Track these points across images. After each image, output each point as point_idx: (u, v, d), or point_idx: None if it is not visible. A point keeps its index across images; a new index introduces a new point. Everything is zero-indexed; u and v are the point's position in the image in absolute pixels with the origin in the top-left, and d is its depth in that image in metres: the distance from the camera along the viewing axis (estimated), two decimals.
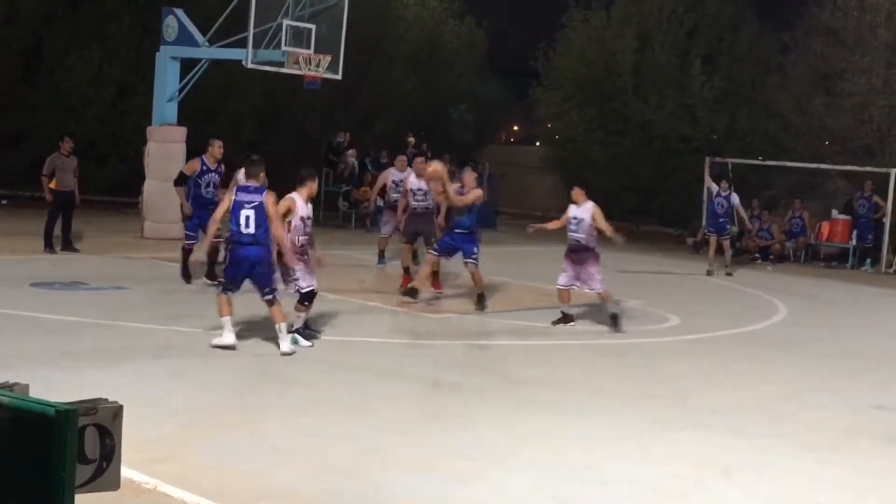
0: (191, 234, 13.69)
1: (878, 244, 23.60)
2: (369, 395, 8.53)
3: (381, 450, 7.00)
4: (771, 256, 23.76)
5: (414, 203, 14.62)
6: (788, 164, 25.91)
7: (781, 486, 6.85)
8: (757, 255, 23.94)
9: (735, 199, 20.04)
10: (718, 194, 19.99)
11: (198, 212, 13.43)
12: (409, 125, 27.70)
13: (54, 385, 7.03)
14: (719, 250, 19.83)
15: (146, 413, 7.13)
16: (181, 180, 13.92)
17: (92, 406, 2.87)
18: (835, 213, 24.58)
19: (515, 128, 49.96)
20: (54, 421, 2.65)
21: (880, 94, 24.97)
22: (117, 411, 2.92)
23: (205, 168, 13.74)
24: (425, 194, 14.33)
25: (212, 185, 13.74)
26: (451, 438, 7.38)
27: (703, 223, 25.56)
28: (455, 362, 10.20)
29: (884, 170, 23.72)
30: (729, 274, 19.54)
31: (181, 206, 13.96)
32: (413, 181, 14.67)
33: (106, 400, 2.97)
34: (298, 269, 10.18)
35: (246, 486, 6.11)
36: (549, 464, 6.93)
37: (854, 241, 23.73)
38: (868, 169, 24.19)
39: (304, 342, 10.07)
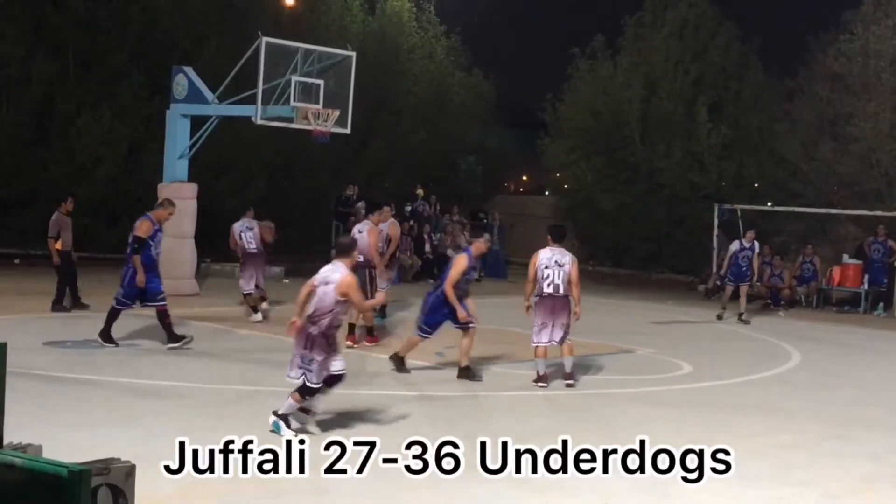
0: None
1: (892, 288, 23.52)
2: (390, 450, 8.48)
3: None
4: (782, 302, 23.69)
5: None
6: (798, 209, 25.92)
7: None
8: (768, 300, 23.87)
9: (757, 246, 20.23)
10: (743, 248, 19.95)
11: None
12: (417, 178, 27.82)
13: (67, 444, 7.03)
14: (735, 296, 19.94)
15: (159, 470, 7.11)
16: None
17: (105, 466, 2.88)
18: (846, 257, 24.51)
19: (525, 178, 50.14)
20: (67, 482, 2.65)
21: (887, 139, 25.03)
22: (130, 470, 2.92)
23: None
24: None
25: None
26: (475, 492, 7.33)
27: (715, 270, 25.54)
28: (472, 415, 10.15)
29: (893, 213, 23.71)
30: (746, 322, 19.48)
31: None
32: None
33: (119, 459, 2.97)
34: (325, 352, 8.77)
35: None
36: None
37: (866, 286, 23.65)
38: (878, 213, 24.18)
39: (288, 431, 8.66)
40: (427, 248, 26.13)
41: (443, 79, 32.14)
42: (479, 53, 33.49)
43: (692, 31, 29.23)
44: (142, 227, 12.78)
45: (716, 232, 26.42)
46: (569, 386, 11.66)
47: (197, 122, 19.44)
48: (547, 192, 37.20)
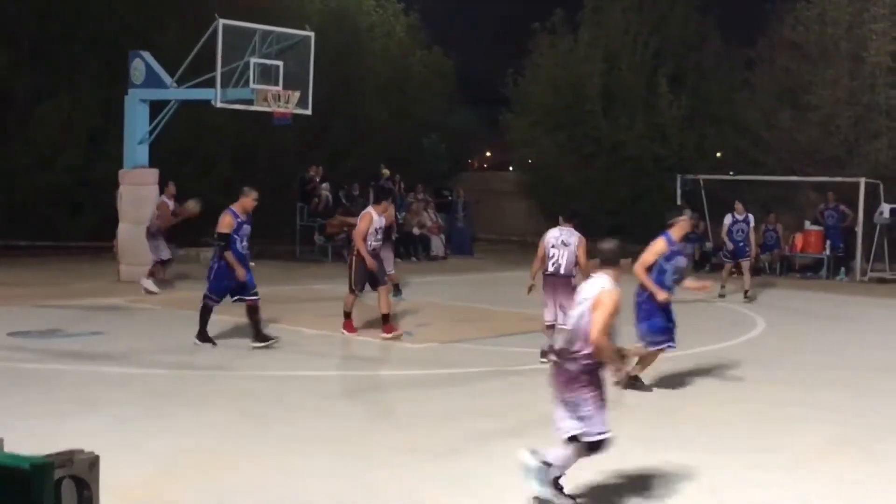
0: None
1: (850, 252, 23.85)
2: (350, 429, 8.49)
3: (366, 485, 6.96)
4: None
5: (373, 244, 13.07)
6: (759, 178, 26.11)
7: (768, 502, 6.86)
8: (733, 269, 24.01)
9: (752, 219, 19.41)
10: (735, 220, 19.22)
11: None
12: (381, 157, 27.75)
13: (32, 435, 6.98)
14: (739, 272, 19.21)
15: (127, 458, 7.08)
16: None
17: (68, 458, 2.85)
18: (807, 224, 24.77)
19: (488, 154, 50.13)
20: (29, 476, 2.63)
21: (846, 105, 25.21)
22: (94, 461, 2.90)
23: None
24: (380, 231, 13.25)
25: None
26: (439, 471, 7.35)
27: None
28: (437, 392, 10.18)
29: (853, 179, 23.95)
30: (751, 299, 18.66)
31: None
32: (377, 219, 13.14)
33: (82, 451, 2.95)
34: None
35: None
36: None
37: (828, 252, 23.96)
38: (838, 179, 24.43)
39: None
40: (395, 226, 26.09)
41: (403, 57, 32.00)
42: (438, 30, 33.38)
43: (650, 3, 29.31)
44: (223, 223, 12.02)
45: (679, 203, 26.57)
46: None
47: (157, 108, 19.25)
48: (511, 168, 37.24)
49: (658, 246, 10.35)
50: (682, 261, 10.59)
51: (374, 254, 13.02)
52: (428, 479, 7.11)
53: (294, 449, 7.80)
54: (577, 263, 11.39)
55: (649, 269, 10.29)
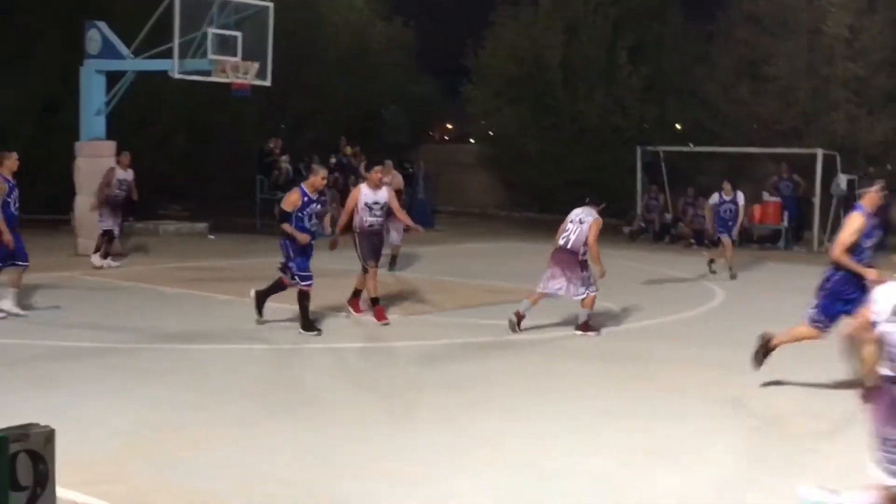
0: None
1: (804, 223, 24.26)
2: (315, 402, 8.49)
3: (329, 457, 6.97)
4: (706, 241, 24.03)
5: (370, 219, 12.44)
6: (719, 149, 26.30)
7: (724, 469, 6.93)
8: (692, 240, 24.22)
9: (741, 198, 18.39)
10: (723, 201, 18.26)
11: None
12: (341, 129, 27.61)
13: None
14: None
15: (89, 434, 7.04)
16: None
17: (23, 432, 2.82)
18: (766, 195, 25.01)
19: (449, 126, 50.04)
20: None
21: (804, 77, 25.40)
22: (49, 436, 2.87)
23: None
24: (382, 207, 12.57)
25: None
26: (401, 442, 7.37)
27: (639, 212, 25.84)
28: (401, 365, 10.19)
29: (810, 151, 24.17)
30: (733, 276, 17.63)
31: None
32: (368, 194, 12.52)
33: (38, 425, 2.92)
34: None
35: (194, 503, 6.05)
36: (501, 463, 6.94)
37: (785, 223, 24.29)
38: (795, 151, 24.67)
39: None
40: None
41: (363, 28, 31.79)
42: (398, 1, 33.13)
43: None
44: (288, 200, 11.49)
45: (639, 175, 26.73)
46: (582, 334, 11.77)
47: (113, 79, 19.02)
48: (472, 140, 37.20)
49: (855, 222, 9.12)
50: (878, 234, 9.48)
51: (374, 231, 12.47)
52: (392, 451, 7.12)
53: (257, 422, 7.78)
54: (585, 242, 11.68)
55: (850, 250, 9.08)
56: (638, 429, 7.88)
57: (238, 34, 18.34)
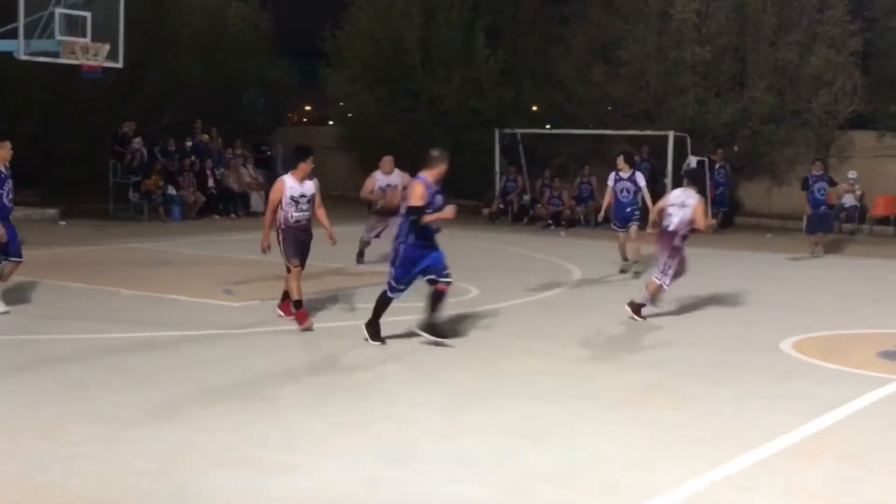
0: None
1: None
2: (171, 392, 8.34)
3: (186, 447, 6.86)
4: (563, 222, 24.50)
5: (296, 214, 11.16)
6: (574, 131, 26.82)
7: (585, 449, 7.09)
8: (549, 221, 24.64)
9: (641, 179, 16.36)
10: (619, 178, 16.16)
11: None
12: (197, 112, 27.08)
13: None
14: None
15: None
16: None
17: None
18: None
19: (308, 108, 49.58)
20: None
21: (655, 61, 26.03)
22: None
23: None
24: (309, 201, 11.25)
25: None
26: (261, 430, 7.31)
27: (497, 194, 26.13)
28: (259, 350, 10.09)
29: (662, 133, 24.84)
30: (637, 273, 15.79)
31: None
32: (294, 186, 11.13)
33: None
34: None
35: (44, 498, 5.89)
36: (363, 447, 6.95)
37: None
38: (648, 133, 25.31)
39: None
40: (210, 183, 25.59)
41: (218, 9, 31.18)
42: None
43: None
44: (416, 193, 10.14)
45: (498, 157, 27.03)
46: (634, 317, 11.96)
47: None
48: (331, 122, 36.96)
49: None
50: None
51: (301, 227, 11.20)
52: (257, 439, 7.05)
53: (116, 415, 7.59)
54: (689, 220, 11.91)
55: None
56: (503, 410, 8.00)
57: (87, 14, 17.82)
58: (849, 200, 24.86)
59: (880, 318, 12.71)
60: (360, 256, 16.31)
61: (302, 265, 11.20)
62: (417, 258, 10.20)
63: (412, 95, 29.12)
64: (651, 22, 26.22)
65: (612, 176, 16.35)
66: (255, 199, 25.91)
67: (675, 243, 12.01)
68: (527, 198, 26.29)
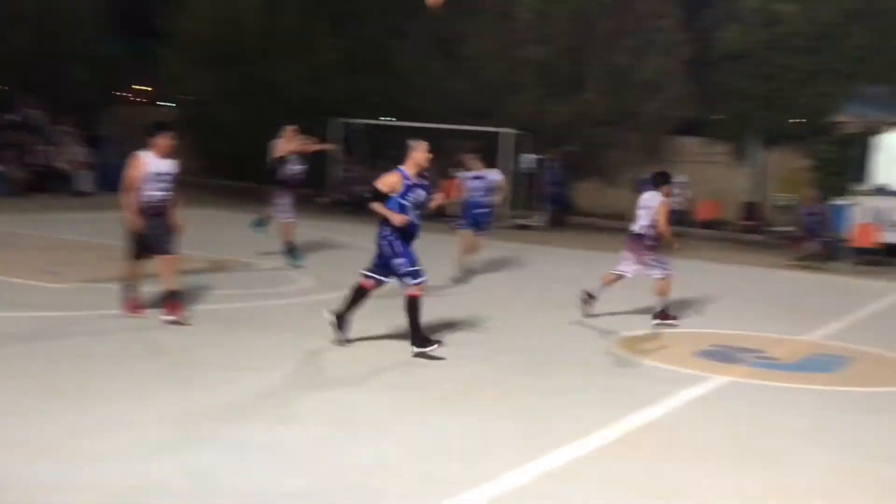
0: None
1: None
2: None
3: None
4: None
5: (155, 193, 10.31)
6: (413, 124, 26.85)
7: (405, 440, 7.07)
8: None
9: (496, 175, 15.86)
10: (472, 176, 15.38)
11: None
12: (25, 86, 26.00)
13: None
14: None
15: None
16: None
17: None
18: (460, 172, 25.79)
19: (143, 88, 48.25)
20: None
21: (494, 59, 26.34)
22: None
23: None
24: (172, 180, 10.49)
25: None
26: (77, 416, 7.03)
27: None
28: (81, 333, 9.73)
29: (501, 129, 25.17)
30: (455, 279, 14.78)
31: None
32: (154, 162, 10.34)
33: None
34: None
35: None
36: (183, 435, 6.77)
37: None
38: (487, 129, 25.60)
39: None
40: (38, 159, 24.64)
41: None
42: None
43: None
44: (386, 179, 9.69)
45: (337, 147, 26.86)
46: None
47: None
48: (166, 103, 36.09)
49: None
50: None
51: (156, 209, 10.29)
52: (67, 428, 6.78)
53: None
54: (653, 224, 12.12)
55: None
56: (324, 400, 7.92)
57: None
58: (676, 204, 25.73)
59: (701, 319, 13.15)
60: (291, 253, 15.19)
61: (158, 252, 10.29)
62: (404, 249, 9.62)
63: (250, 80, 28.67)
64: (492, 20, 26.51)
65: (463, 173, 15.67)
66: (84, 178, 25.04)
67: (645, 244, 12.31)
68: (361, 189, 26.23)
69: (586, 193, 27.99)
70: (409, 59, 27.52)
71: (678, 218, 25.36)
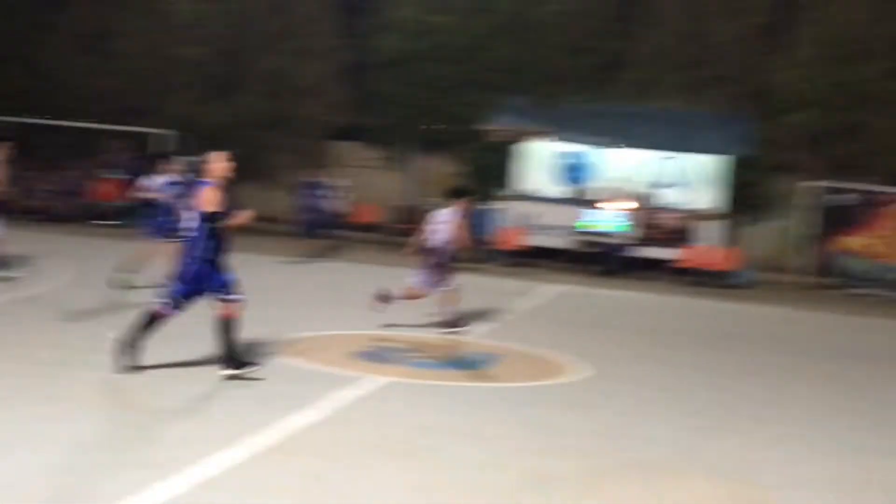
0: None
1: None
2: None
3: None
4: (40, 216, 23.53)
5: None
6: (61, 123, 25.69)
7: (43, 454, 6.72)
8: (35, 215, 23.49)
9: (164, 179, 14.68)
10: (172, 181, 14.44)
11: None
12: None
13: None
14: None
15: None
16: None
17: None
18: (112, 172, 25.03)
19: None
20: None
21: (148, 57, 25.64)
22: None
23: None
24: None
25: None
26: None
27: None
28: None
29: (154, 130, 24.60)
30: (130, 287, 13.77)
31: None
32: None
33: None
34: None
35: None
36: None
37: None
38: (147, 130, 24.93)
39: None
40: None
41: None
42: None
43: None
44: (208, 198, 9.10)
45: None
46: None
47: None
48: None
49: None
50: None
51: None
52: None
53: None
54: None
55: None
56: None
57: None
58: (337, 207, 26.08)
59: (362, 320, 13.20)
60: None
61: None
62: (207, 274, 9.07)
63: None
64: (147, 18, 25.80)
65: (155, 179, 14.69)
66: None
67: (439, 258, 12.68)
68: (14, 191, 24.72)
69: (248, 196, 27.76)
70: (56, 53, 26.19)
71: (332, 221, 25.83)
